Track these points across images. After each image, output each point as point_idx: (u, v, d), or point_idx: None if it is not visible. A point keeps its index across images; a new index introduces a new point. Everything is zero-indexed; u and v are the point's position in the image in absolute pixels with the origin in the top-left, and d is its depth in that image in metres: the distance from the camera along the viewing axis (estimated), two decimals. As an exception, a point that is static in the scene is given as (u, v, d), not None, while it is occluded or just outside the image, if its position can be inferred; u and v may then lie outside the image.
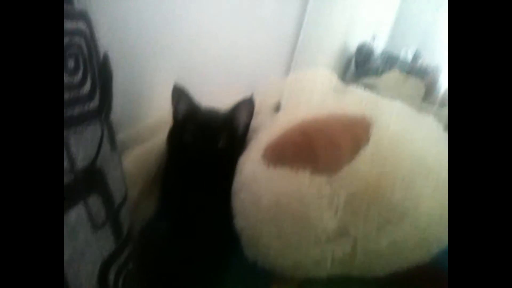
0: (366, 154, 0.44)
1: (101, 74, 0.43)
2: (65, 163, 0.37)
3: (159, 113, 0.67)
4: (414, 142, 0.46)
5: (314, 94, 0.60)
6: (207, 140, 0.57)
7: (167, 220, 0.61)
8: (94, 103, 0.41)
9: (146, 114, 0.71)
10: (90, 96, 0.40)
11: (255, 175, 0.49)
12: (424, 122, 0.51)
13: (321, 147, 0.46)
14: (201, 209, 0.57)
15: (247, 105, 0.58)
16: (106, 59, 0.45)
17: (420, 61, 1.75)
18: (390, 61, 1.79)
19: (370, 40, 1.77)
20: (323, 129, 0.48)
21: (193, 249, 0.58)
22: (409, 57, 1.78)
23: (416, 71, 1.62)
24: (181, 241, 0.58)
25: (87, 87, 0.39)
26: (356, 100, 0.57)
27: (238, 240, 0.51)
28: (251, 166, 0.50)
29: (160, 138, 0.62)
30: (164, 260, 0.58)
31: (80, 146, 0.39)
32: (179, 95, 0.59)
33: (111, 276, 0.41)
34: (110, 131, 0.45)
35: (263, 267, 0.50)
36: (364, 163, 0.43)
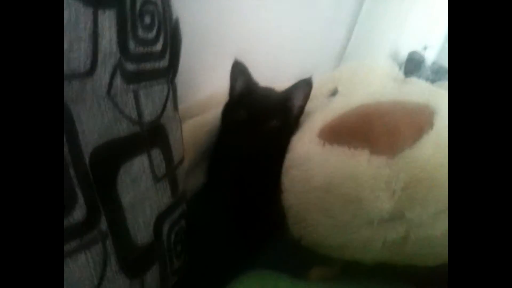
0: (430, 140, 0.42)
1: (172, 37, 0.44)
2: (134, 114, 0.38)
3: (214, 89, 0.69)
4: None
5: (375, 81, 0.59)
6: (261, 118, 0.57)
7: (214, 195, 0.62)
8: (164, 62, 0.43)
9: (201, 90, 0.72)
10: (161, 54, 0.42)
11: (309, 153, 0.48)
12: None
13: (381, 129, 0.45)
14: (249, 186, 0.57)
15: (304, 86, 0.58)
16: (177, 23, 0.46)
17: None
18: (440, 72, 1.73)
19: (421, 49, 1.72)
20: (384, 112, 0.47)
21: (236, 225, 0.58)
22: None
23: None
24: (225, 215, 0.59)
25: (159, 45, 0.41)
26: (418, 90, 0.55)
27: (283, 219, 0.51)
28: (306, 144, 0.50)
29: (214, 113, 0.63)
30: (207, 235, 0.59)
31: (148, 101, 0.40)
32: (238, 70, 0.60)
33: (166, 228, 0.42)
34: (174, 93, 0.46)
35: (306, 247, 0.50)
36: (427, 148, 0.42)
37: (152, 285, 0.39)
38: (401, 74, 0.61)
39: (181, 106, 0.68)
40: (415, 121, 0.45)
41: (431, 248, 0.42)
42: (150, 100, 0.40)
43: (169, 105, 0.44)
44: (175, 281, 0.44)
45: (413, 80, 0.61)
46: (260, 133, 0.57)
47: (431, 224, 0.41)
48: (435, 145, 0.42)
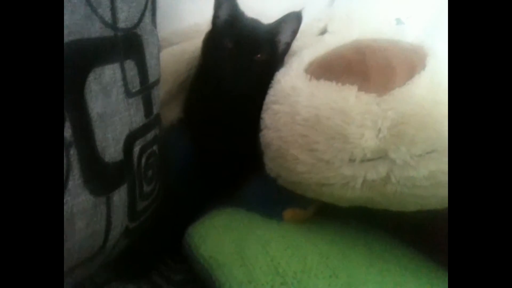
0: (421, 80, 0.41)
1: None
2: (108, 16, 0.34)
3: (194, 19, 0.64)
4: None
5: (366, 22, 0.56)
6: (246, 50, 0.54)
7: (189, 130, 0.59)
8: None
9: (181, 20, 0.67)
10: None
11: (295, 87, 0.46)
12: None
13: (373, 65, 0.43)
14: (227, 122, 0.55)
15: (293, 20, 0.54)
16: None
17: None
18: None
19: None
20: (378, 49, 0.45)
21: (212, 161, 0.56)
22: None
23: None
24: (201, 151, 0.57)
25: None
26: (410, 32, 0.53)
27: (260, 157, 0.49)
28: (291, 79, 0.47)
29: (194, 43, 0.59)
30: (180, 170, 0.57)
31: (124, 5, 0.36)
32: None
33: (136, 149, 0.39)
34: (153, 5, 0.42)
35: (284, 185, 0.49)
36: (418, 87, 0.40)
37: (119, 205, 0.37)
38: (392, 19, 0.58)
39: (160, 34, 0.64)
40: (408, 61, 0.43)
41: (412, 191, 0.41)
42: (127, 4, 0.36)
43: (148, 16, 0.40)
44: (144, 206, 0.42)
45: (407, 26, 0.58)
46: (243, 66, 0.53)
47: (414, 166, 0.39)
48: (425, 86, 0.40)
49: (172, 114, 0.59)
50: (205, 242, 0.47)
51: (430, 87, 0.40)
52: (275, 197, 0.53)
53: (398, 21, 1.37)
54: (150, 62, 0.40)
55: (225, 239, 0.47)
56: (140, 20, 0.39)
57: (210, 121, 0.56)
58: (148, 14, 0.40)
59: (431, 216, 0.45)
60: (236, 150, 0.55)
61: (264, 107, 0.49)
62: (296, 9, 0.54)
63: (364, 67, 0.43)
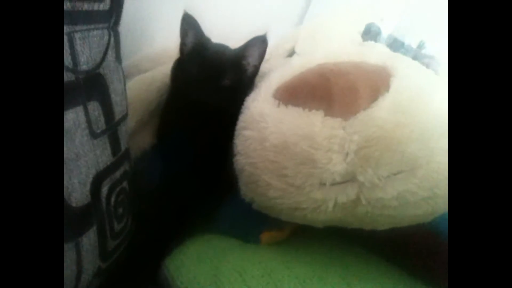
0: (384, 102, 0.42)
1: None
2: (67, 61, 0.34)
3: (165, 44, 0.64)
4: (433, 97, 0.44)
5: (332, 41, 0.57)
6: (212, 76, 0.54)
7: (162, 157, 0.58)
8: (105, 5, 0.38)
9: (147, 45, 0.67)
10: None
11: (263, 113, 0.46)
12: (442, 82, 0.49)
13: (338, 90, 0.44)
14: (200, 146, 0.55)
15: (259, 44, 0.55)
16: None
17: (424, 50, 1.73)
18: (395, 45, 1.76)
19: (378, 21, 1.73)
20: (342, 73, 0.46)
21: (187, 187, 0.56)
22: (414, 45, 1.76)
23: (419, 58, 1.60)
24: (175, 177, 0.56)
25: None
26: (375, 52, 0.54)
27: (235, 183, 0.50)
28: (260, 105, 0.48)
29: (164, 68, 0.59)
30: (155, 197, 0.56)
31: (85, 47, 0.36)
32: (189, 24, 0.55)
33: (104, 189, 0.38)
34: (116, 41, 0.42)
35: (258, 209, 0.49)
36: (382, 110, 0.41)
37: (89, 249, 0.36)
38: (358, 36, 0.59)
39: (129, 61, 0.63)
40: (371, 83, 0.44)
41: (382, 212, 0.42)
42: (87, 46, 0.36)
43: (110, 54, 0.40)
44: (115, 244, 0.42)
45: (371, 43, 0.60)
46: (212, 91, 0.54)
47: (382, 188, 0.40)
48: (388, 108, 0.41)
49: (145, 141, 0.59)
50: (181, 273, 0.47)
51: (393, 108, 0.41)
52: (251, 219, 0.53)
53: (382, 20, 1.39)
54: (115, 99, 0.40)
55: (201, 269, 0.47)
56: (103, 59, 0.38)
57: (183, 147, 0.56)
58: (111, 52, 0.40)
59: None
60: (210, 174, 0.55)
61: (236, 132, 0.50)
62: (263, 32, 0.55)
63: (329, 91, 0.44)
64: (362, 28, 0.67)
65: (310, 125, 0.42)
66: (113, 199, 0.40)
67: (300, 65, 0.51)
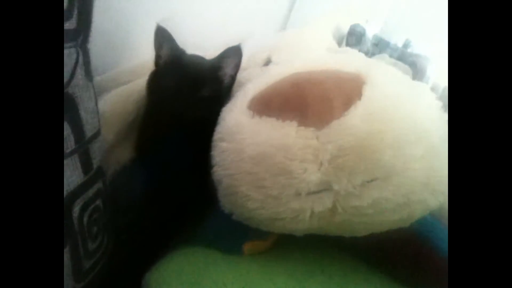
0: (357, 110, 0.42)
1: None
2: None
3: (141, 57, 0.64)
4: (407, 104, 0.44)
5: (308, 50, 0.57)
6: (189, 87, 0.54)
7: (142, 167, 0.58)
8: (71, 24, 0.38)
9: (127, 58, 0.67)
10: (67, 14, 0.37)
11: (239, 125, 0.46)
12: (418, 88, 0.49)
13: (311, 99, 0.44)
14: (178, 158, 0.55)
15: (234, 54, 0.55)
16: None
17: (410, 49, 1.74)
18: (380, 45, 1.77)
19: (363, 23, 1.74)
20: (315, 82, 0.46)
21: (167, 200, 0.56)
22: (400, 44, 1.77)
23: (405, 58, 1.61)
24: (155, 191, 0.56)
25: (64, 4, 0.36)
26: (350, 59, 0.54)
27: (215, 193, 0.49)
28: (235, 116, 0.48)
29: (142, 82, 0.59)
30: (135, 209, 0.56)
31: (51, 67, 0.35)
32: (162, 37, 0.56)
33: (76, 210, 0.38)
34: (86, 59, 0.42)
35: (239, 220, 0.49)
36: (353, 118, 0.41)
37: (62, 270, 0.36)
38: (334, 43, 0.59)
39: (108, 74, 0.63)
40: (345, 92, 0.44)
41: (359, 219, 0.42)
42: (54, 66, 0.35)
43: (79, 72, 0.40)
44: (90, 264, 0.41)
45: (347, 49, 0.60)
46: (190, 103, 0.54)
47: (358, 195, 0.41)
48: (362, 116, 0.41)
49: (124, 155, 0.58)
50: (162, 288, 0.46)
51: (365, 117, 0.41)
52: (234, 230, 0.53)
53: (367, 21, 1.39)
54: (85, 117, 0.39)
55: (182, 283, 0.46)
56: (71, 78, 0.38)
57: (163, 160, 0.56)
58: (80, 69, 0.39)
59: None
60: (190, 186, 0.55)
61: (213, 144, 0.50)
62: (237, 42, 0.55)
63: (302, 101, 0.44)
64: (346, 30, 0.67)
65: (285, 136, 0.42)
66: (85, 218, 0.39)
67: (275, 74, 0.51)
